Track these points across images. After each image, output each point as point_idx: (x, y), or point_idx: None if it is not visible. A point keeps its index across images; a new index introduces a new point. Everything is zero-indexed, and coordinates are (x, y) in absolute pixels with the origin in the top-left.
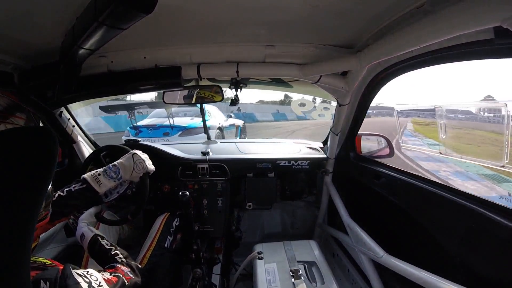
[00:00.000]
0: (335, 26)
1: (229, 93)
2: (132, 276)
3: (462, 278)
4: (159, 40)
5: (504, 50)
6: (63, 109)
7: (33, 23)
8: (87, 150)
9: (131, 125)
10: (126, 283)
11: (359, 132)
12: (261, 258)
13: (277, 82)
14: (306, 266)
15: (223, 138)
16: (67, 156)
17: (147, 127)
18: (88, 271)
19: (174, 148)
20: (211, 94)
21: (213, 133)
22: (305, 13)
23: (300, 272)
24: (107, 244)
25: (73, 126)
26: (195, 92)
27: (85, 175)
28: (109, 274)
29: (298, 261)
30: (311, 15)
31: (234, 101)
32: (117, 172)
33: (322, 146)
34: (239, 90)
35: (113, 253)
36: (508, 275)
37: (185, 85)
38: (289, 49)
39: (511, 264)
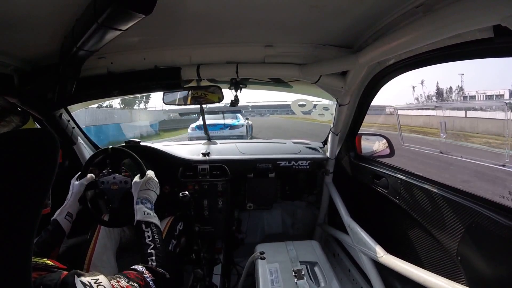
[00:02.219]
0: (334, 26)
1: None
2: (151, 284)
3: (463, 277)
4: (158, 41)
5: (504, 49)
6: (63, 110)
7: (32, 25)
8: (87, 151)
9: (197, 125)
10: None
11: (359, 132)
12: (263, 258)
13: (276, 83)
14: (308, 266)
15: (249, 135)
16: (67, 158)
17: (208, 125)
18: (97, 280)
19: (174, 149)
20: (211, 94)
21: (243, 130)
22: (304, 13)
23: (303, 273)
24: (148, 237)
25: (73, 127)
26: (195, 92)
27: (138, 219)
28: (126, 281)
29: (300, 262)
30: (310, 15)
31: (234, 102)
32: (148, 201)
33: (322, 146)
34: (238, 90)
35: (148, 251)
36: (508, 274)
37: (184, 86)
38: (288, 49)
39: (511, 263)
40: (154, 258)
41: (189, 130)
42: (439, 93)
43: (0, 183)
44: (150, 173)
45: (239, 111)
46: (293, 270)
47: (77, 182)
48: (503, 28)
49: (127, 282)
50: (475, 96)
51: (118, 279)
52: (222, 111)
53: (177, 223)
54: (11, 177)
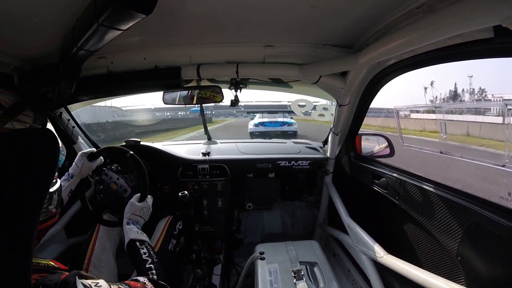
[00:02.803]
0: (334, 26)
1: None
2: None
3: (463, 278)
4: (158, 41)
5: (504, 49)
6: (63, 110)
7: (32, 25)
8: None
9: (257, 122)
10: None
11: (359, 132)
12: (263, 259)
13: (276, 83)
14: (308, 266)
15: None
16: (67, 157)
17: (269, 122)
18: (97, 283)
19: (174, 148)
20: (211, 94)
21: (296, 127)
22: (304, 13)
23: (302, 273)
24: (144, 254)
25: (73, 127)
26: (195, 92)
27: (132, 238)
28: None
29: (300, 262)
30: (310, 15)
31: (234, 102)
32: (138, 223)
33: (322, 146)
34: (239, 90)
35: (147, 266)
36: (508, 274)
37: (185, 85)
38: (288, 49)
39: (510, 263)
40: (154, 272)
41: (251, 126)
42: (455, 95)
43: None
44: (149, 200)
45: (289, 112)
46: (292, 271)
47: (88, 162)
48: (503, 29)
49: None
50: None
51: (120, 285)
52: (280, 110)
53: (176, 222)
54: (11, 177)
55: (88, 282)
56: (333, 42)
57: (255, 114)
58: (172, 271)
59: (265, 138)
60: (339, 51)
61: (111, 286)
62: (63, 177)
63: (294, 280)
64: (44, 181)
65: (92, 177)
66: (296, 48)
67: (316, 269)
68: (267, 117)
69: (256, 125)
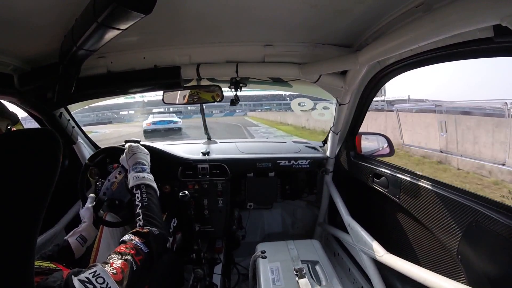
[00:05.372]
0: (334, 25)
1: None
2: (144, 250)
3: (463, 276)
4: (158, 40)
5: (504, 48)
6: (63, 110)
7: (32, 25)
8: (87, 151)
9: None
10: (135, 267)
11: (359, 131)
12: (264, 257)
13: (276, 82)
14: (309, 265)
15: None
16: (67, 157)
17: (159, 121)
18: (94, 272)
19: (174, 148)
20: (211, 94)
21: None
22: (304, 12)
23: (304, 271)
24: (138, 199)
25: (73, 127)
26: (195, 92)
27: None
28: (119, 258)
29: (301, 260)
30: (310, 14)
31: (234, 101)
32: (139, 164)
33: (322, 145)
34: (238, 90)
35: (136, 211)
36: (508, 273)
37: (184, 85)
38: (288, 49)
39: (511, 262)
40: (141, 217)
41: (144, 125)
42: None
43: (1, 183)
44: (127, 145)
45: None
46: (294, 269)
47: (82, 210)
48: (503, 28)
49: (120, 259)
50: None
51: (111, 261)
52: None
53: (170, 220)
54: (13, 177)
55: (84, 275)
56: (333, 41)
57: (148, 115)
58: (171, 269)
59: (157, 134)
60: (339, 50)
61: (105, 266)
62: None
63: (296, 278)
64: (47, 182)
65: (92, 178)
66: (296, 47)
67: (317, 268)
68: (158, 117)
69: (148, 123)
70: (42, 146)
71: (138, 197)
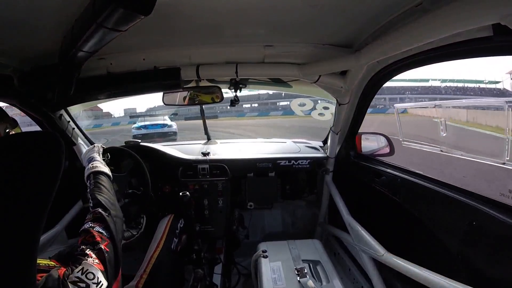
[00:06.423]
0: (334, 26)
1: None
2: (105, 233)
3: (463, 276)
4: (158, 41)
5: (503, 47)
6: (63, 111)
7: (32, 26)
8: None
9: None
10: (106, 254)
11: (359, 131)
12: (266, 257)
13: (276, 82)
14: (311, 265)
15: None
16: (67, 158)
17: (151, 124)
18: (82, 269)
19: (174, 149)
20: (210, 95)
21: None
22: (303, 12)
23: (306, 271)
24: (90, 186)
25: (73, 128)
26: (195, 93)
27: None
28: (91, 248)
29: (303, 260)
30: (309, 14)
31: (234, 102)
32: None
33: (322, 145)
34: (238, 90)
35: (87, 197)
36: (509, 272)
37: (184, 86)
38: (288, 49)
39: (511, 261)
40: (90, 199)
41: (133, 130)
42: None
43: (5, 185)
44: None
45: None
46: (295, 269)
47: None
48: (503, 27)
49: (93, 249)
50: None
51: (87, 251)
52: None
53: (177, 221)
54: (18, 178)
55: (74, 276)
56: (333, 42)
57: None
58: (172, 270)
59: (148, 140)
60: (338, 50)
61: (87, 259)
62: None
63: (298, 277)
64: (50, 184)
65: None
66: (295, 48)
67: (319, 267)
68: (149, 120)
69: (138, 128)
70: (47, 149)
71: (90, 185)
